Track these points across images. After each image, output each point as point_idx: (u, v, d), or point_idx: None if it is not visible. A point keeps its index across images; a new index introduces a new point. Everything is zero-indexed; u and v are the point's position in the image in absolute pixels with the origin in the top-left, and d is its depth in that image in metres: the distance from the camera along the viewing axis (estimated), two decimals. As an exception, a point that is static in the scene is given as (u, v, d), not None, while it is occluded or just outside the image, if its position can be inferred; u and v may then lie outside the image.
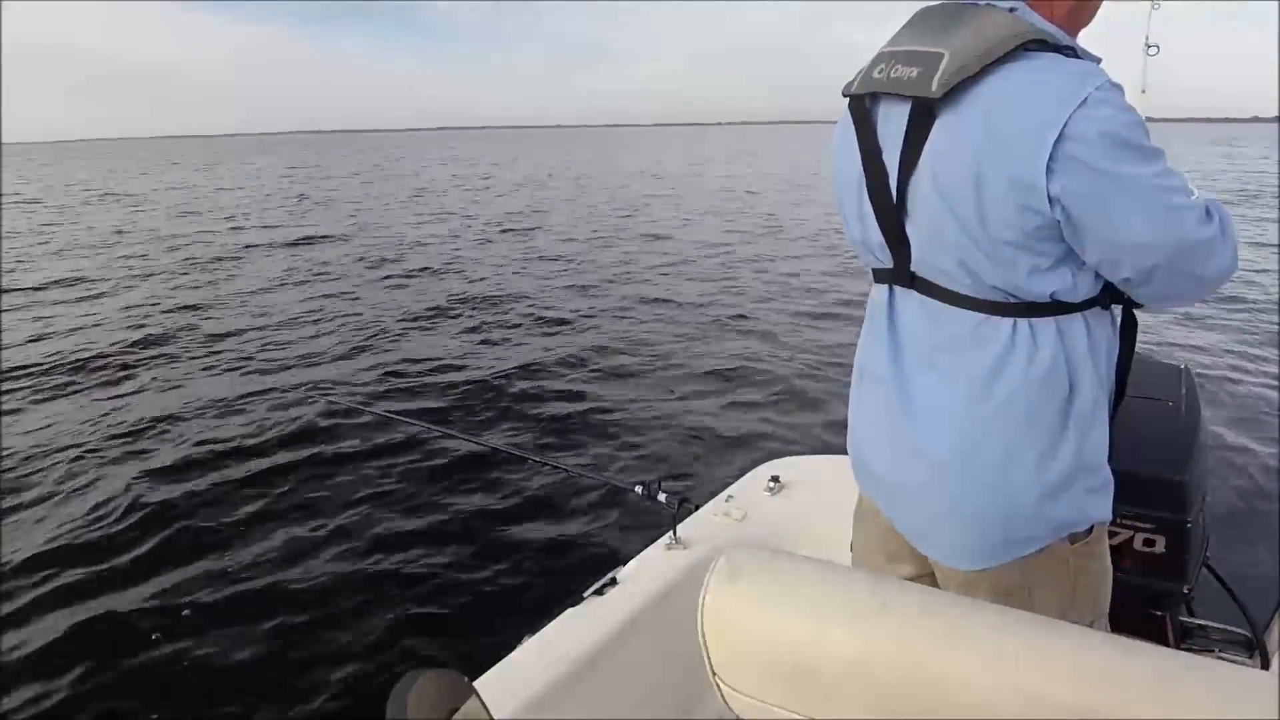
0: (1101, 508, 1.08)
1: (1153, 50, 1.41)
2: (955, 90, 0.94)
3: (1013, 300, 1.00)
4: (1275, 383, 5.41)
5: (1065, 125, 0.89)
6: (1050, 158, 0.90)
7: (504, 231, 14.90)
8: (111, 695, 2.71)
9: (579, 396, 5.59)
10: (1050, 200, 0.92)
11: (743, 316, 7.87)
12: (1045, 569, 1.07)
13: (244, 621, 3.06)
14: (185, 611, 3.14)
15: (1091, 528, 1.08)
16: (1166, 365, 1.83)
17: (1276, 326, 6.91)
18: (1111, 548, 1.44)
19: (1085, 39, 1.08)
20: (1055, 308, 1.00)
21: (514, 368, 6.32)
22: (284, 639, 2.97)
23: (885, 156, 1.04)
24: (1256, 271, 9.40)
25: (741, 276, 10.11)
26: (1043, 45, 0.95)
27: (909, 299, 1.09)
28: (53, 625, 3.08)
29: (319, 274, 10.89)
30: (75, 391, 6.02)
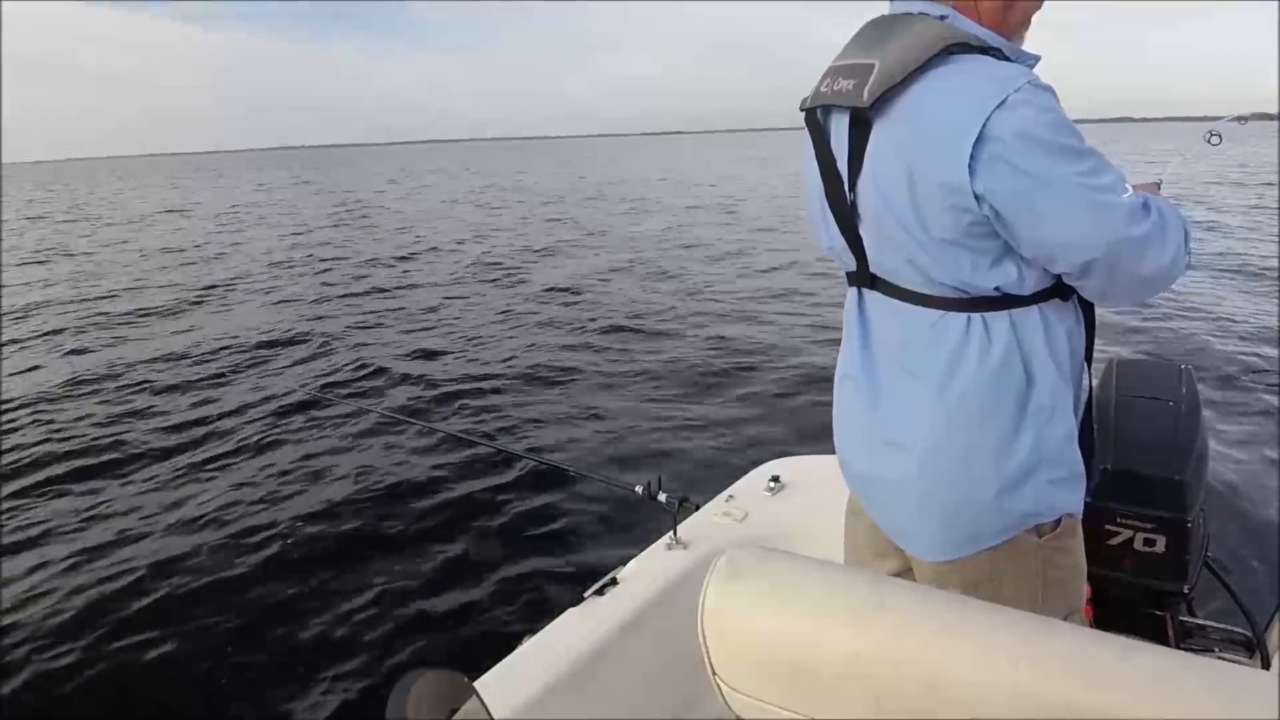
0: (1069, 500, 1.09)
1: (1215, 140, 1.50)
2: (884, 98, 0.98)
3: (964, 296, 1.03)
4: (1275, 383, 5.41)
5: (984, 126, 0.92)
6: (971, 158, 0.93)
7: (506, 235, 14.90)
8: (110, 695, 2.71)
9: (580, 397, 5.59)
10: (977, 199, 0.95)
11: (743, 317, 7.87)
12: (1012, 562, 1.08)
13: (244, 621, 3.06)
14: (185, 611, 3.14)
15: (1060, 520, 1.08)
16: (1167, 365, 1.84)
17: (1276, 326, 6.90)
18: (1111, 547, 1.44)
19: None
20: (1006, 301, 1.03)
21: (514, 368, 6.33)
22: (284, 639, 2.96)
23: (839, 165, 1.08)
24: (1257, 269, 9.39)
25: (742, 277, 10.11)
26: (969, 49, 0.98)
27: (874, 300, 1.14)
28: (52, 625, 3.08)
29: (322, 275, 10.90)
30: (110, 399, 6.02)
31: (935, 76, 0.97)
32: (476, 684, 0.75)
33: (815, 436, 4.67)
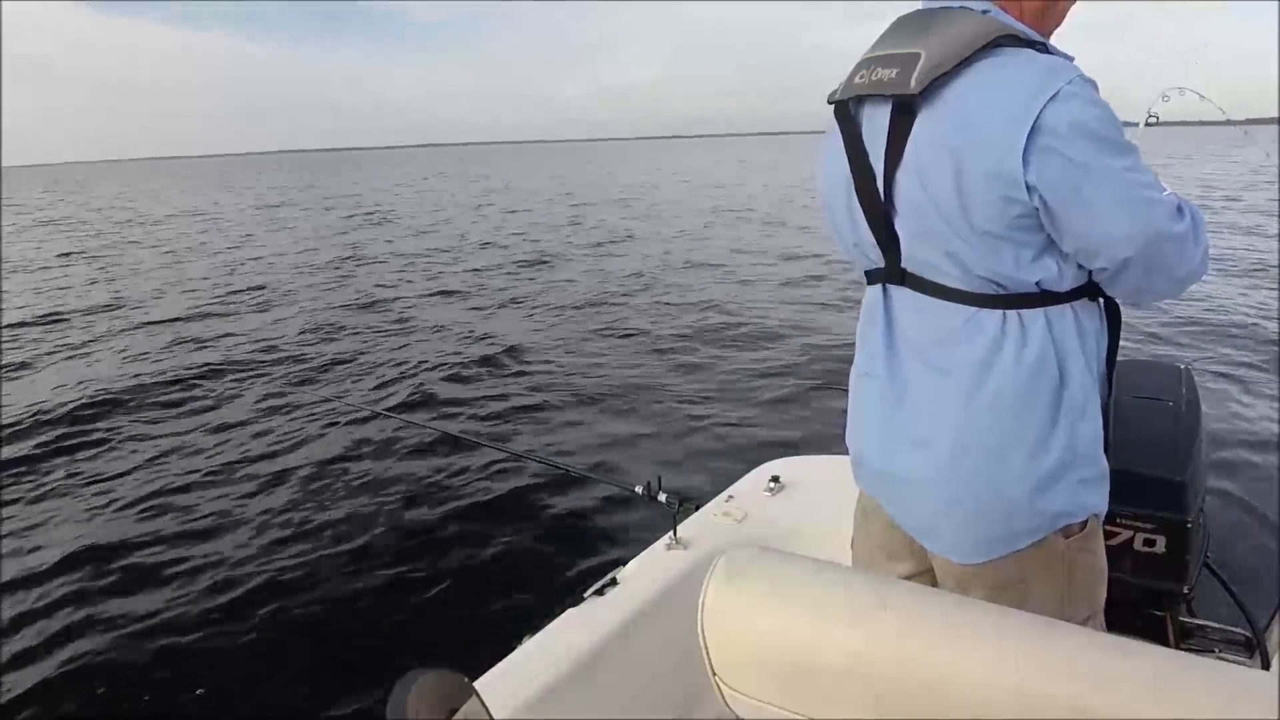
0: (1097, 500, 1.09)
1: (1152, 120, 1.56)
2: (933, 87, 0.98)
3: (1001, 292, 1.02)
4: (1275, 383, 5.41)
5: (1038, 118, 0.92)
6: (1025, 149, 0.92)
7: (510, 235, 14.90)
8: (111, 695, 2.71)
9: (580, 397, 5.59)
10: (1028, 189, 0.94)
11: (744, 317, 7.86)
12: (1040, 563, 1.08)
13: (244, 622, 3.06)
14: (186, 612, 3.14)
15: (1086, 521, 1.08)
16: (1167, 366, 1.84)
17: (1277, 326, 6.90)
18: (1111, 548, 1.44)
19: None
20: (1043, 298, 1.02)
21: (514, 368, 6.33)
22: (284, 639, 2.97)
23: (871, 157, 1.07)
24: (1257, 270, 9.39)
25: (743, 276, 10.11)
26: (1015, 41, 0.98)
27: (902, 296, 1.12)
28: (53, 625, 3.08)
29: (324, 275, 10.89)
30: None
31: (985, 67, 0.96)
32: (476, 684, 0.75)
33: (815, 436, 4.67)
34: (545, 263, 11.61)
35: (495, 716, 0.74)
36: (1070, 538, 1.07)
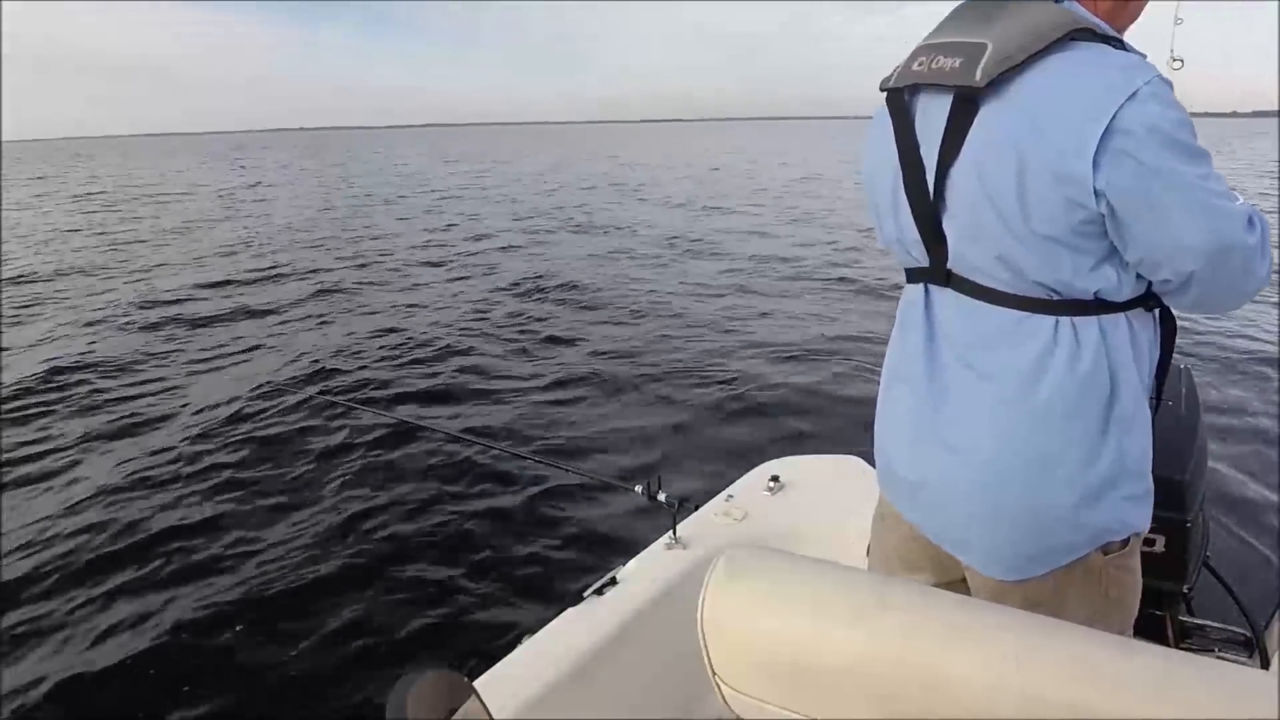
0: (1141, 517, 1.04)
1: (1176, 65, 1.46)
2: (999, 80, 0.92)
3: (1055, 297, 0.97)
4: (1275, 382, 5.41)
5: (1113, 118, 0.87)
6: (1096, 150, 0.87)
7: (510, 232, 14.91)
8: (109, 696, 2.71)
9: (579, 397, 5.59)
10: (1095, 194, 0.89)
11: (744, 317, 7.86)
12: (1078, 582, 1.04)
13: (243, 622, 3.06)
14: (184, 612, 3.14)
15: (1128, 539, 1.04)
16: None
17: (1276, 325, 6.90)
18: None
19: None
20: (1098, 306, 0.97)
21: (515, 368, 6.32)
22: (284, 639, 2.96)
23: (923, 151, 1.02)
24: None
25: (746, 275, 10.10)
26: (1090, 36, 0.93)
27: (945, 297, 1.07)
28: (48, 626, 3.08)
29: (325, 272, 10.89)
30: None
31: (1057, 61, 0.91)
32: (476, 684, 0.75)
33: (816, 436, 4.67)
34: (544, 263, 11.61)
35: (495, 716, 0.74)
36: (1109, 555, 1.03)
